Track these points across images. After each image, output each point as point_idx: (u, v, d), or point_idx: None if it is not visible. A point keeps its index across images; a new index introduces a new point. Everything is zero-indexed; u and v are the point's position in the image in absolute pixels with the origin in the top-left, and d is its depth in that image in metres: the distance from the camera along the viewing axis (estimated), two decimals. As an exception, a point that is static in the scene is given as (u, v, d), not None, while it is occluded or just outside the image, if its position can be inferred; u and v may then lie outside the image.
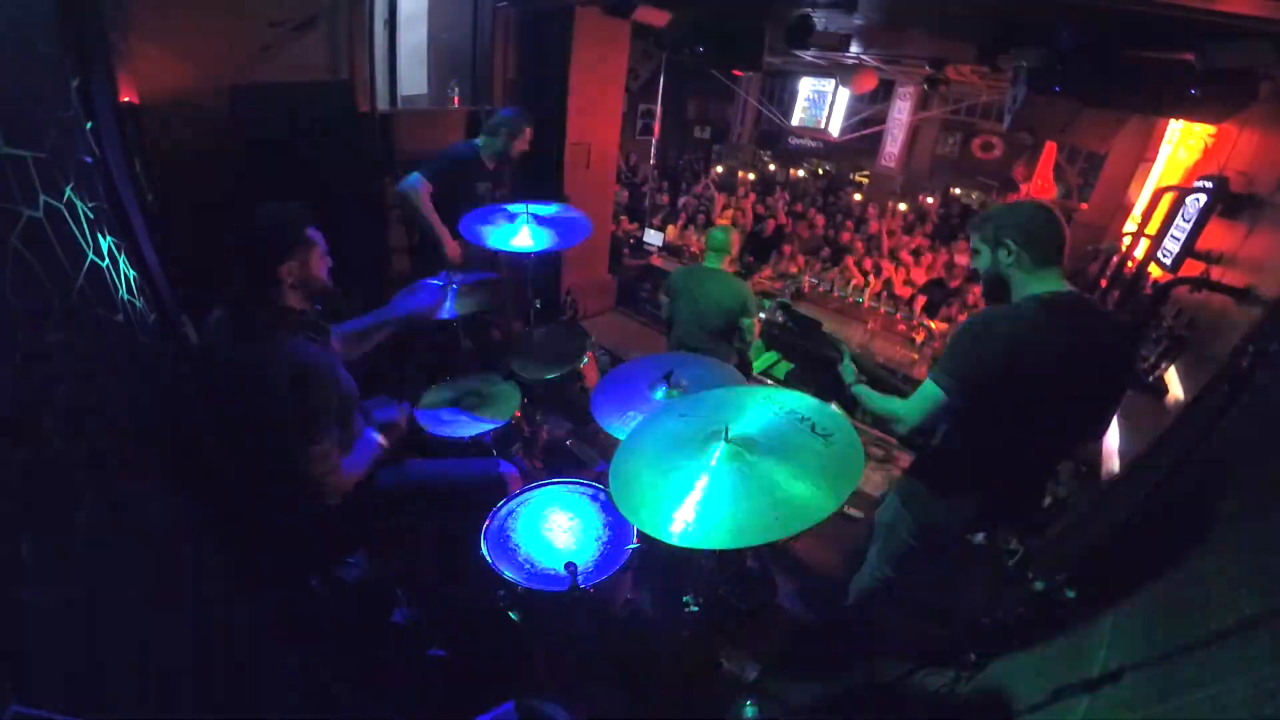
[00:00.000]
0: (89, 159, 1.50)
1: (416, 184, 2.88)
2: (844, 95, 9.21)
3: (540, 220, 2.59)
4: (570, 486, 1.99)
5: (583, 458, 3.02)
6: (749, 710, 1.91)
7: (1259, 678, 0.84)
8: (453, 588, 2.21)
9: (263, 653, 1.48)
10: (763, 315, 4.31)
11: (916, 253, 6.48)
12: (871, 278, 5.70)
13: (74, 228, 1.17)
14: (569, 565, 1.55)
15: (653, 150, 7.33)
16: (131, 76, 2.21)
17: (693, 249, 6.01)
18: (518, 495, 1.94)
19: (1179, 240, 2.27)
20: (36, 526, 0.73)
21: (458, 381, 2.48)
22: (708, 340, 3.06)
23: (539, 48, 3.95)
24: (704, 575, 2.26)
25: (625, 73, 4.37)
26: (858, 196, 9.31)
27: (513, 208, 2.64)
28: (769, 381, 4.25)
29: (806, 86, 9.69)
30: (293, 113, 2.94)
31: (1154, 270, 2.58)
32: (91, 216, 1.29)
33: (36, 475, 0.80)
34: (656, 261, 5.92)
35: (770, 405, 1.60)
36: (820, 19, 3.62)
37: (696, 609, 2.16)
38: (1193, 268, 2.20)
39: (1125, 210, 3.80)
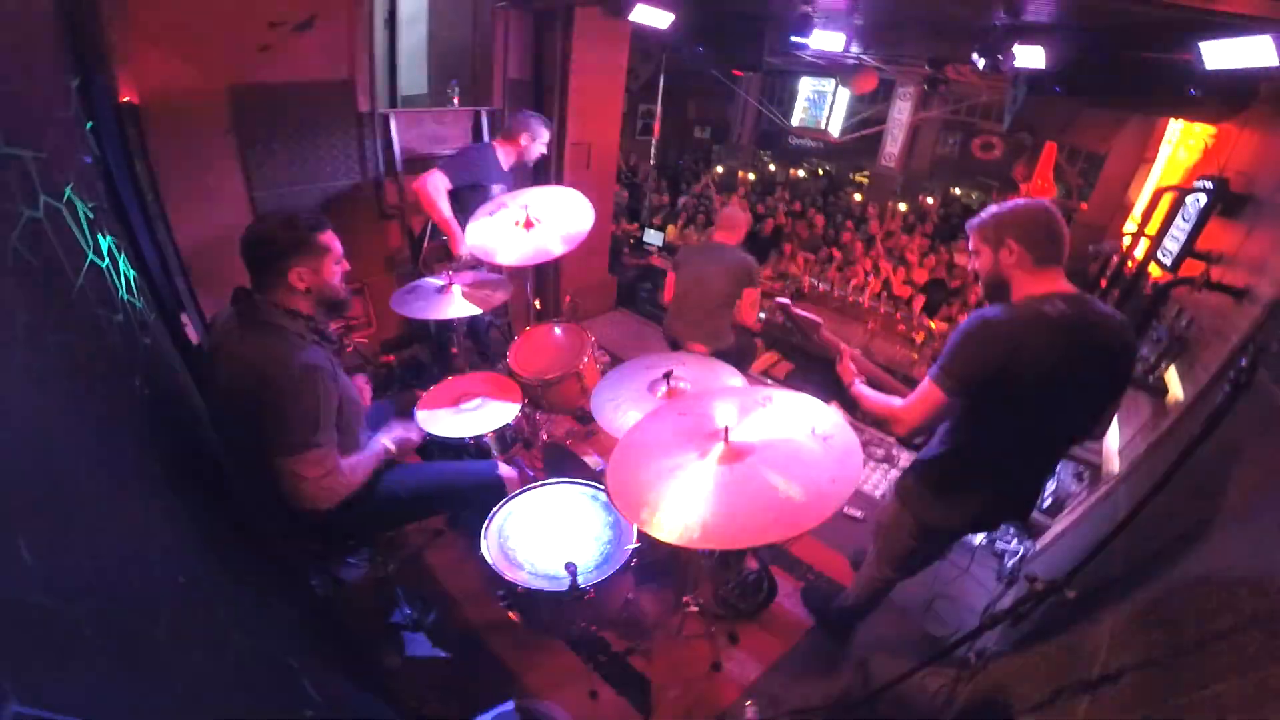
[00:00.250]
0: (89, 159, 1.50)
1: (437, 180, 2.89)
2: (844, 95, 9.22)
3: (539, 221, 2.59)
4: (570, 486, 1.99)
5: (583, 458, 3.02)
6: (749, 710, 1.91)
7: (1259, 678, 0.84)
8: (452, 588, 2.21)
9: (263, 652, 1.48)
10: (763, 315, 4.32)
11: (916, 251, 6.49)
12: (871, 278, 5.71)
13: (74, 228, 1.17)
14: (569, 565, 1.55)
15: (653, 150, 7.34)
16: (131, 76, 2.21)
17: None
18: (517, 495, 1.94)
19: (1179, 240, 2.26)
20: (36, 526, 0.73)
21: (458, 382, 2.48)
22: (706, 310, 3.10)
23: (539, 48, 3.95)
24: (704, 575, 2.27)
25: (625, 73, 4.37)
26: (858, 196, 9.32)
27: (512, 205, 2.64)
28: (769, 381, 4.25)
29: (806, 86, 9.70)
30: (293, 113, 2.94)
31: (1154, 270, 2.58)
32: (91, 216, 1.29)
33: (37, 475, 0.80)
34: (656, 261, 5.92)
35: (770, 406, 1.60)
36: (820, 19, 3.63)
37: (696, 609, 2.16)
38: (1193, 268, 2.19)
39: (1125, 210, 3.80)
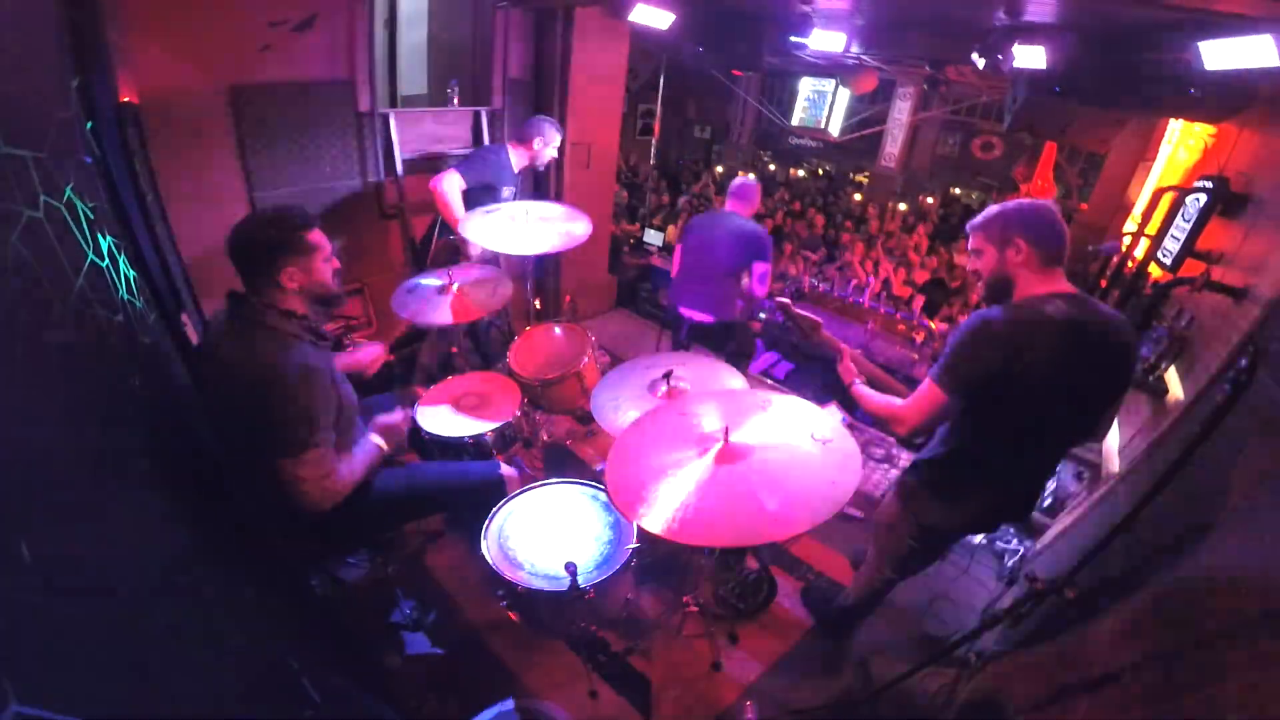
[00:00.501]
0: (89, 159, 1.50)
1: (453, 180, 2.91)
2: (844, 95, 9.21)
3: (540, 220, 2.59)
4: (570, 486, 1.99)
5: (583, 458, 3.03)
6: (749, 710, 1.91)
7: (1259, 678, 0.84)
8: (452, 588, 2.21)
9: (263, 652, 1.48)
10: (763, 315, 4.31)
11: (917, 250, 6.49)
12: (871, 278, 5.70)
13: (74, 228, 1.17)
14: (569, 565, 1.55)
15: (653, 150, 7.34)
16: (131, 76, 2.20)
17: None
18: (517, 495, 1.94)
19: (1179, 240, 2.26)
20: (37, 527, 0.73)
21: (458, 381, 2.48)
22: (712, 278, 3.01)
23: (539, 48, 3.95)
24: (704, 575, 2.27)
25: (625, 73, 4.37)
26: (858, 196, 9.32)
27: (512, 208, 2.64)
28: (769, 381, 4.25)
29: (806, 86, 9.69)
30: (293, 113, 2.94)
31: (1154, 270, 2.57)
32: (91, 216, 1.29)
33: (37, 475, 0.80)
34: (656, 261, 5.92)
35: (769, 407, 1.60)
36: (820, 19, 3.62)
37: (696, 609, 2.16)
38: (1193, 268, 2.19)
39: (1125, 210, 3.80)
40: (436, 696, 1.99)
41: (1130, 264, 2.89)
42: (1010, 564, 2.61)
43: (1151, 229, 2.75)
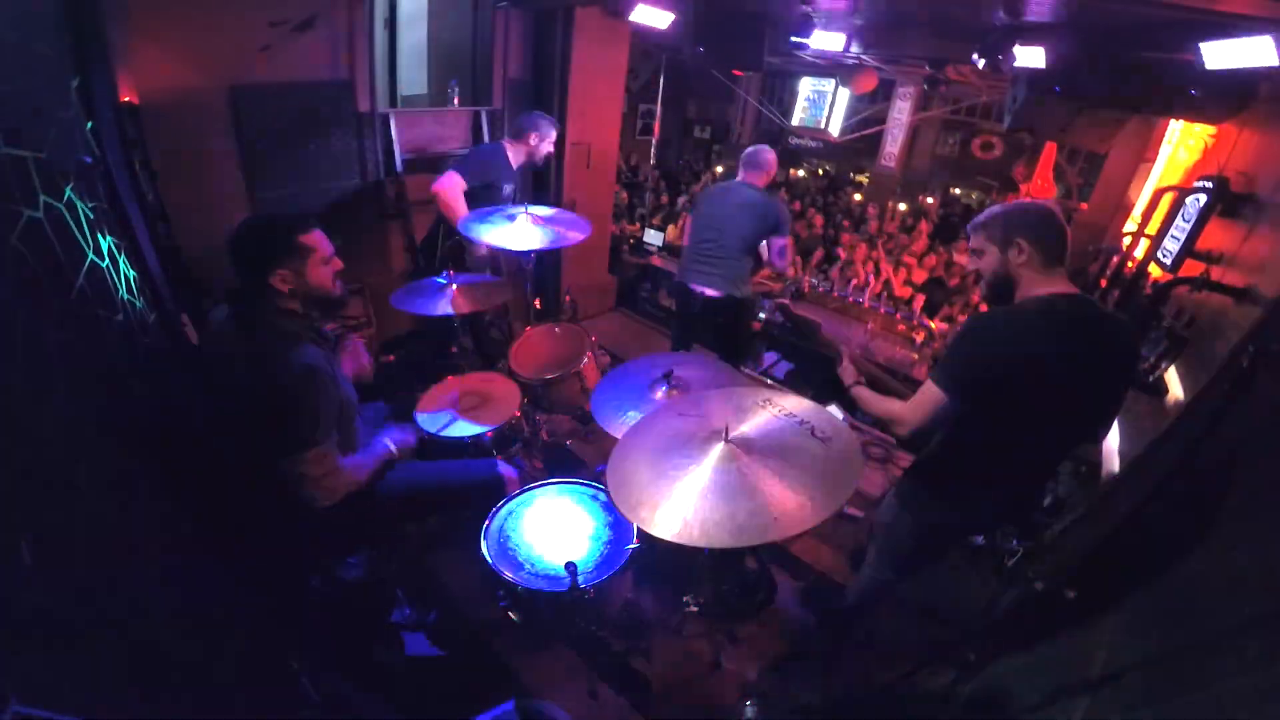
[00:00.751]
0: (89, 159, 1.50)
1: (455, 181, 2.91)
2: (844, 95, 9.20)
3: (540, 220, 2.59)
4: (570, 486, 1.99)
5: (583, 458, 3.02)
6: (749, 710, 1.91)
7: (1260, 678, 0.84)
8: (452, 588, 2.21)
9: (263, 652, 1.48)
10: (763, 315, 4.32)
11: (917, 251, 6.49)
12: (871, 278, 5.71)
13: (74, 228, 1.17)
14: (569, 565, 1.55)
15: (653, 150, 7.34)
16: (131, 76, 2.21)
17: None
18: (517, 495, 1.94)
19: (1179, 240, 2.26)
20: (37, 527, 0.73)
21: (458, 381, 2.47)
22: (724, 251, 2.88)
23: (539, 48, 3.95)
24: (704, 575, 2.26)
25: (625, 73, 4.37)
26: (858, 196, 9.31)
27: (512, 209, 2.64)
28: (769, 381, 4.25)
29: (806, 86, 9.69)
30: (293, 113, 2.94)
31: (1154, 270, 2.58)
32: (91, 216, 1.29)
33: (37, 475, 0.80)
34: (656, 261, 5.92)
35: (769, 407, 1.60)
36: (820, 19, 3.63)
37: (696, 609, 2.16)
38: (1193, 268, 2.19)
39: (1125, 210, 3.80)
40: (436, 697, 1.99)
41: (1130, 264, 2.89)
42: (1010, 564, 2.60)
43: (1151, 229, 2.75)
